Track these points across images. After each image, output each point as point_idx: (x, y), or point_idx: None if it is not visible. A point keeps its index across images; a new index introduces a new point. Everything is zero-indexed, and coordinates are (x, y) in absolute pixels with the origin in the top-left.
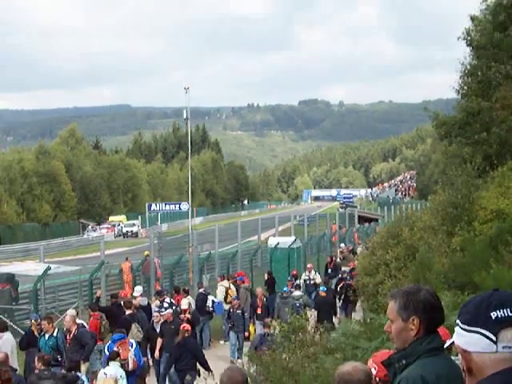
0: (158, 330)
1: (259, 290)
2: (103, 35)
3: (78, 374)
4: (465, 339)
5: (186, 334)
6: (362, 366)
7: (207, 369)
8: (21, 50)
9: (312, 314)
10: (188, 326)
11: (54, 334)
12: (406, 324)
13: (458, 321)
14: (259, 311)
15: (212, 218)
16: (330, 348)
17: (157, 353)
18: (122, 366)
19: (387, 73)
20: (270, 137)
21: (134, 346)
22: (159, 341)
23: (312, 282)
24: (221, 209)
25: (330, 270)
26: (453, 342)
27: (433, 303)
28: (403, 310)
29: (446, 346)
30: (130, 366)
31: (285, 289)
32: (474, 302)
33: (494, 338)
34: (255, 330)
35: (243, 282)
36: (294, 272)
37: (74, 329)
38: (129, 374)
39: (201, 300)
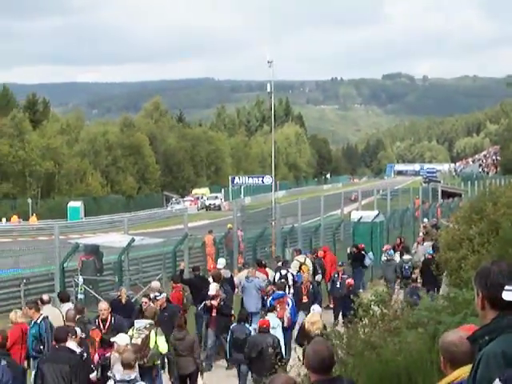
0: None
1: (305, 276)
2: (192, 9)
3: None
4: None
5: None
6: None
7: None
8: (111, 23)
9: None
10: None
11: (38, 321)
12: (478, 299)
13: None
14: (305, 299)
15: (295, 192)
16: (412, 322)
17: None
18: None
19: (473, 47)
20: (354, 110)
21: (290, 304)
22: None
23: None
24: (303, 182)
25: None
26: None
27: (495, 279)
28: (475, 286)
29: None
30: (286, 323)
31: (390, 252)
32: None
33: None
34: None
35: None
36: (386, 247)
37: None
38: (284, 330)
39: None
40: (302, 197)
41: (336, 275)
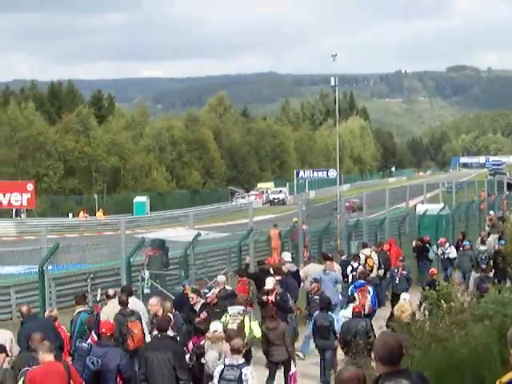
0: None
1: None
2: (254, 4)
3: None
4: None
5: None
6: None
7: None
8: (176, 19)
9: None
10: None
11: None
12: None
13: None
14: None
15: (359, 185)
16: (478, 315)
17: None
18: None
19: None
20: (418, 103)
21: (371, 293)
22: None
23: (446, 256)
24: (368, 176)
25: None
26: None
27: None
28: None
29: None
30: (366, 310)
31: (466, 242)
32: None
33: None
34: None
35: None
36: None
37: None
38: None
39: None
40: (367, 190)
41: (395, 271)
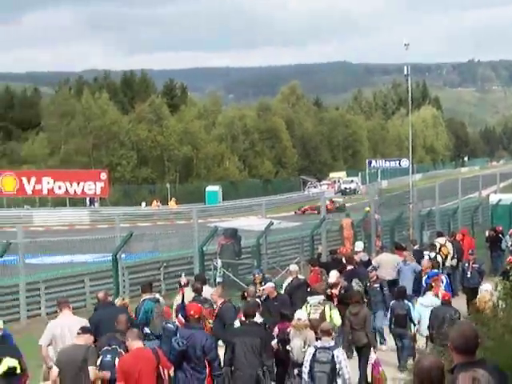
0: None
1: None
2: None
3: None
4: None
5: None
6: None
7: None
8: (248, 8)
9: None
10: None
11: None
12: None
13: None
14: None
15: (432, 175)
16: None
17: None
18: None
19: None
20: (492, 93)
21: (445, 282)
22: None
23: None
24: (440, 165)
25: None
26: None
27: None
28: None
29: None
30: (441, 299)
31: None
32: None
33: None
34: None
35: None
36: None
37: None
38: None
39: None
40: (439, 180)
41: (466, 265)
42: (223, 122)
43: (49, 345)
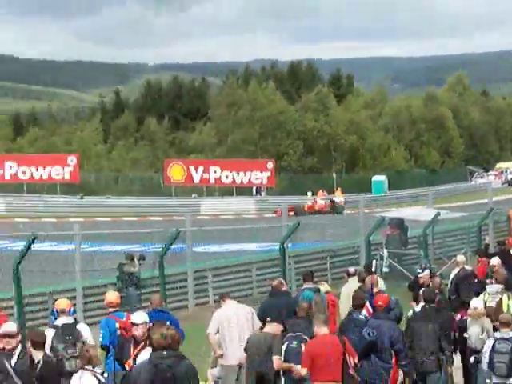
0: None
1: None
2: None
3: None
4: None
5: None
6: None
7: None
8: None
9: None
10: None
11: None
12: None
13: None
14: None
15: None
16: None
17: None
18: None
19: None
20: None
21: None
22: None
23: None
24: None
25: None
26: None
27: None
28: None
29: None
30: None
31: None
32: None
33: None
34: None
35: None
36: None
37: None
38: None
39: None
40: None
41: None
42: (389, 112)
43: (216, 333)
